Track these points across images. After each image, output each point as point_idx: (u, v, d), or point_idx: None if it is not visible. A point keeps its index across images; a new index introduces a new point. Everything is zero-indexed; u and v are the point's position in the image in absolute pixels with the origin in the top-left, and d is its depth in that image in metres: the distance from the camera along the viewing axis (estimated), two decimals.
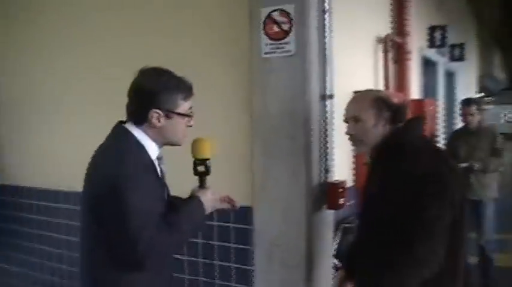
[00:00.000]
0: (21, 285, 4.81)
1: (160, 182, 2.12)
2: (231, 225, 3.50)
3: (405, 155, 2.15)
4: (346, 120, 2.39)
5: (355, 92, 3.13)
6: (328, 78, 3.20)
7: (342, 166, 3.66)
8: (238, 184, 3.28)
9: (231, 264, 3.58)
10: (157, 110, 2.07)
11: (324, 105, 3.21)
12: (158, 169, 2.12)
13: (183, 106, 2.11)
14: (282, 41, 3.11)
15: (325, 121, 3.19)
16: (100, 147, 2.08)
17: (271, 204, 3.21)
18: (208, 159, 2.23)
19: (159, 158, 2.14)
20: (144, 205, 1.90)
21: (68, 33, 4.37)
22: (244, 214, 3.36)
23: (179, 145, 2.15)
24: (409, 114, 2.40)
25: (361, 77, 4.22)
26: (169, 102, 2.08)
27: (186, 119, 2.13)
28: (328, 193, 3.23)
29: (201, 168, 2.22)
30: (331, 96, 3.22)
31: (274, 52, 3.13)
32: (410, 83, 5.32)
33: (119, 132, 2.09)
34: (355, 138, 2.36)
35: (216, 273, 3.65)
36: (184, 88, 2.11)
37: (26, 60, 4.74)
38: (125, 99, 2.10)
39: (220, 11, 3.49)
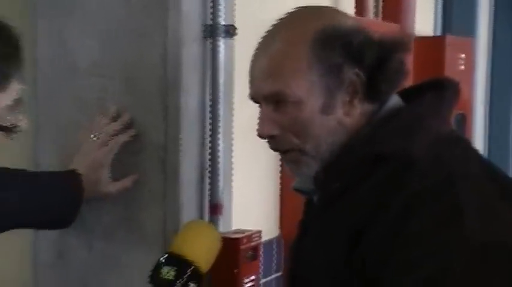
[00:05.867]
0: None
1: None
2: None
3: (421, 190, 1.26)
4: (255, 100, 1.45)
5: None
6: None
7: (253, 196, 2.43)
8: None
9: None
10: None
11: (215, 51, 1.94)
12: None
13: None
14: None
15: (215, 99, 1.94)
16: None
17: None
18: (192, 266, 1.60)
19: None
20: None
21: None
22: None
23: None
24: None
25: None
26: None
27: None
28: (217, 261, 1.86)
29: (167, 273, 1.58)
30: (229, 32, 1.94)
31: None
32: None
33: None
34: (287, 143, 1.42)
35: None
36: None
37: None
38: None
39: None
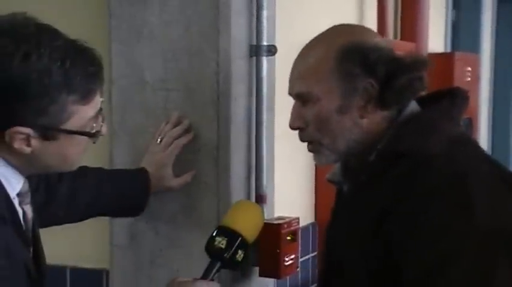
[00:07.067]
0: None
1: (23, 238, 1.30)
2: None
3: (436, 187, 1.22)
4: (292, 96, 1.43)
5: None
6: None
7: (292, 188, 2.37)
8: None
9: None
10: (23, 129, 1.20)
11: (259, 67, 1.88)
12: (20, 214, 1.30)
13: (81, 113, 1.24)
14: None
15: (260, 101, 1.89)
16: None
17: None
18: (240, 237, 1.54)
19: (21, 195, 1.31)
20: None
21: None
22: None
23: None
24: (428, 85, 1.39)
25: (331, 16, 2.54)
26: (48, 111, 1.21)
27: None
28: (261, 243, 1.82)
29: (220, 243, 1.52)
30: (270, 51, 1.88)
31: None
32: (427, 20, 3.52)
33: None
34: (308, 136, 1.40)
35: None
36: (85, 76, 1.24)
37: None
38: None
39: None
